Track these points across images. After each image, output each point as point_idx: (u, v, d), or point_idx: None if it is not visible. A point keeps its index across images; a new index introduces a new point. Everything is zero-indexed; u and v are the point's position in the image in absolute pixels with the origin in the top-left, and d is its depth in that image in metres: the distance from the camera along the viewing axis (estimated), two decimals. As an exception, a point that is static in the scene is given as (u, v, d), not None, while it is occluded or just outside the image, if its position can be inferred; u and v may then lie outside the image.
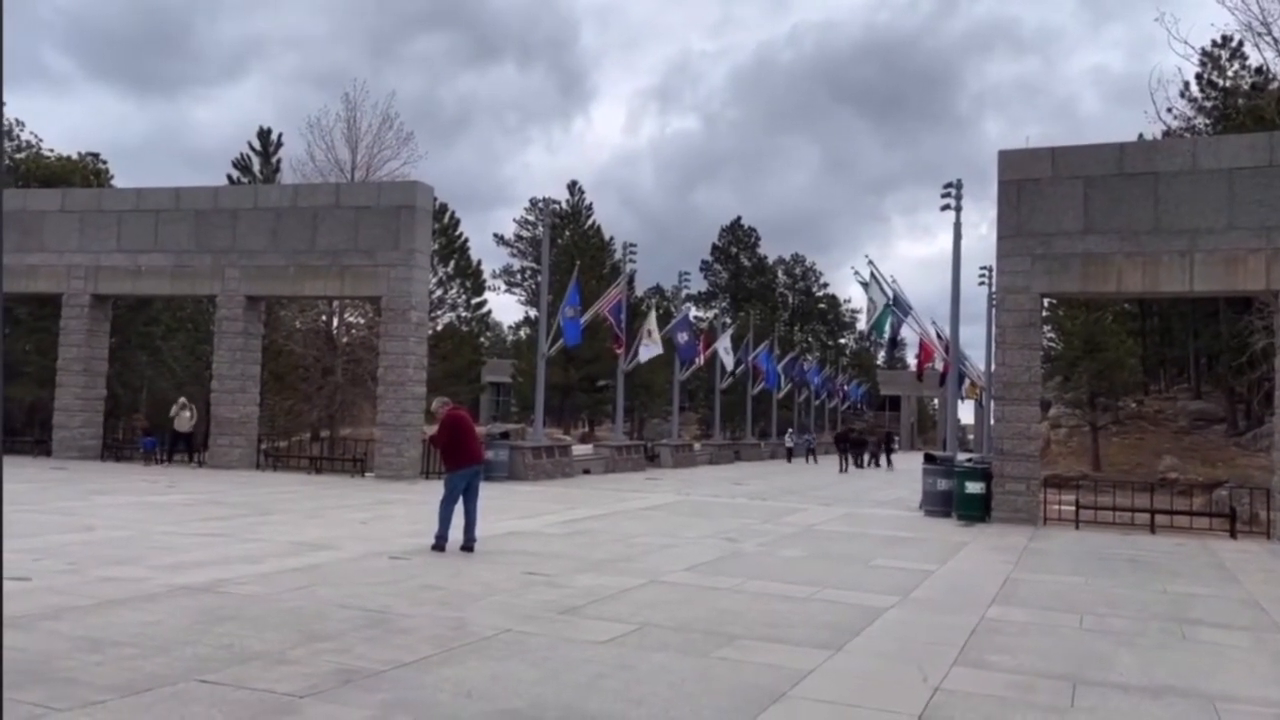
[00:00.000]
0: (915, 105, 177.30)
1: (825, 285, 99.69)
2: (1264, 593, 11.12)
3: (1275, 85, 33.76)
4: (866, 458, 42.94)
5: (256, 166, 36.39)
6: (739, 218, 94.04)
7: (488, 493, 20.41)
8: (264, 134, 36.68)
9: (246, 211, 25.28)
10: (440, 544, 11.64)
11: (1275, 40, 27.59)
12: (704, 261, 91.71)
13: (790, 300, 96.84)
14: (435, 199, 28.67)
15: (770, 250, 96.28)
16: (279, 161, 36.19)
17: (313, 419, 33.40)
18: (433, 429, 12.30)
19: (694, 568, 11.37)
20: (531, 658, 6.78)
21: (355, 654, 6.66)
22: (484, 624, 7.79)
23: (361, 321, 34.50)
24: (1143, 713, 6.06)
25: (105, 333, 27.42)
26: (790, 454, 49.64)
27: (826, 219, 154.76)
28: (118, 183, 37.95)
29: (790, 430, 55.03)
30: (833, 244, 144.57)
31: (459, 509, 11.89)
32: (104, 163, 39.42)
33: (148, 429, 28.30)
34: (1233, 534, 17.77)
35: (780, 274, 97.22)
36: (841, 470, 38.16)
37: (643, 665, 6.69)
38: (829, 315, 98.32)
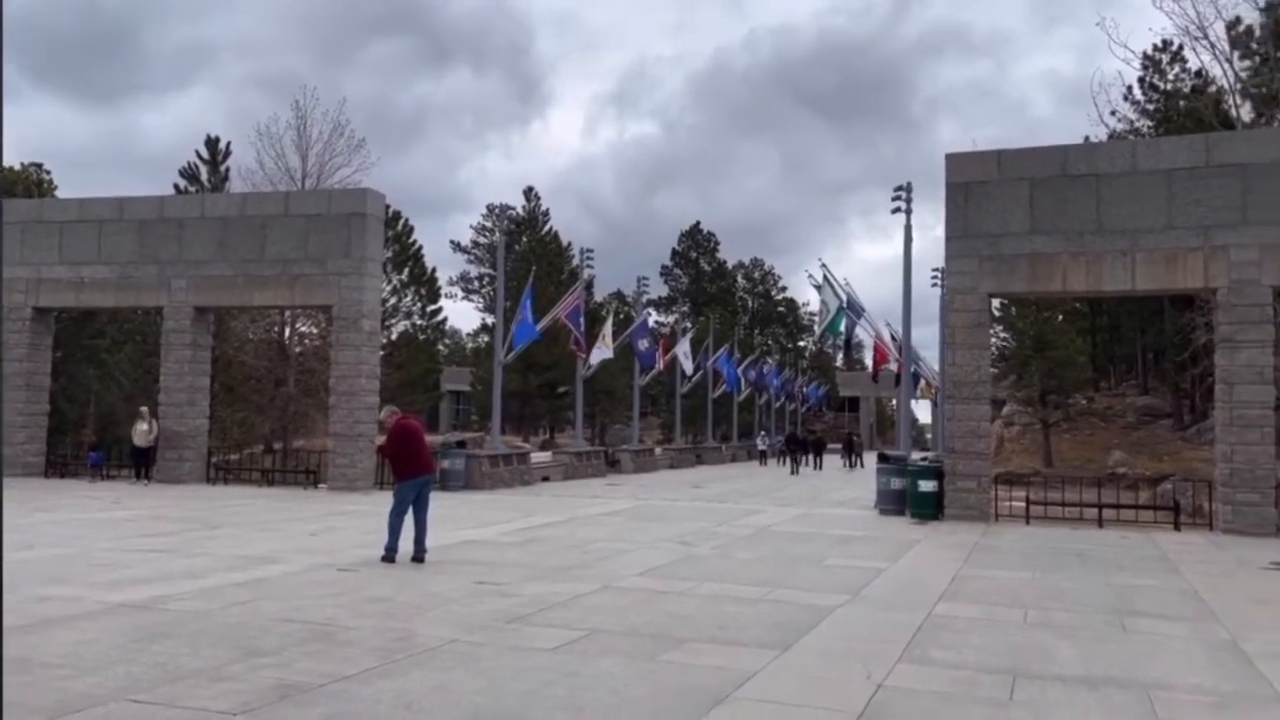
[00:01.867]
0: (871, 109, 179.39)
1: (784, 289, 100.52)
2: (1203, 583, 11.36)
3: (1214, 88, 34.62)
4: (812, 459, 43.57)
5: (204, 175, 35.84)
6: (698, 223, 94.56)
7: (443, 503, 20.28)
8: (212, 142, 36.13)
9: (193, 221, 24.85)
10: (390, 555, 11.50)
11: (1211, 44, 28.31)
12: (664, 266, 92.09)
13: (750, 304, 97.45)
14: (388, 206, 28.43)
15: (730, 254, 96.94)
16: (227, 170, 35.72)
17: (265, 431, 32.91)
18: (381, 438, 12.16)
19: (647, 572, 11.36)
20: (476, 668, 6.71)
21: (295, 669, 6.55)
22: (430, 635, 7.70)
23: (315, 331, 34.09)
24: (1079, 703, 6.14)
25: (48, 346, 26.80)
26: (764, 456, 49.83)
27: (785, 223, 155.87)
28: (64, 193, 37.15)
29: (763, 433, 55.30)
30: (792, 248, 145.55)
31: (409, 519, 11.75)
32: (48, 173, 38.62)
33: (95, 444, 27.68)
34: (1177, 526, 18.15)
35: (740, 278, 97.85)
36: (792, 473, 38.53)
37: (588, 671, 6.66)
38: (788, 318, 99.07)
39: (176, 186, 35.69)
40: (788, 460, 41.77)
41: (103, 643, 7.16)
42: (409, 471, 11.74)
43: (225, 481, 25.33)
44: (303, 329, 34.39)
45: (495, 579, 10.54)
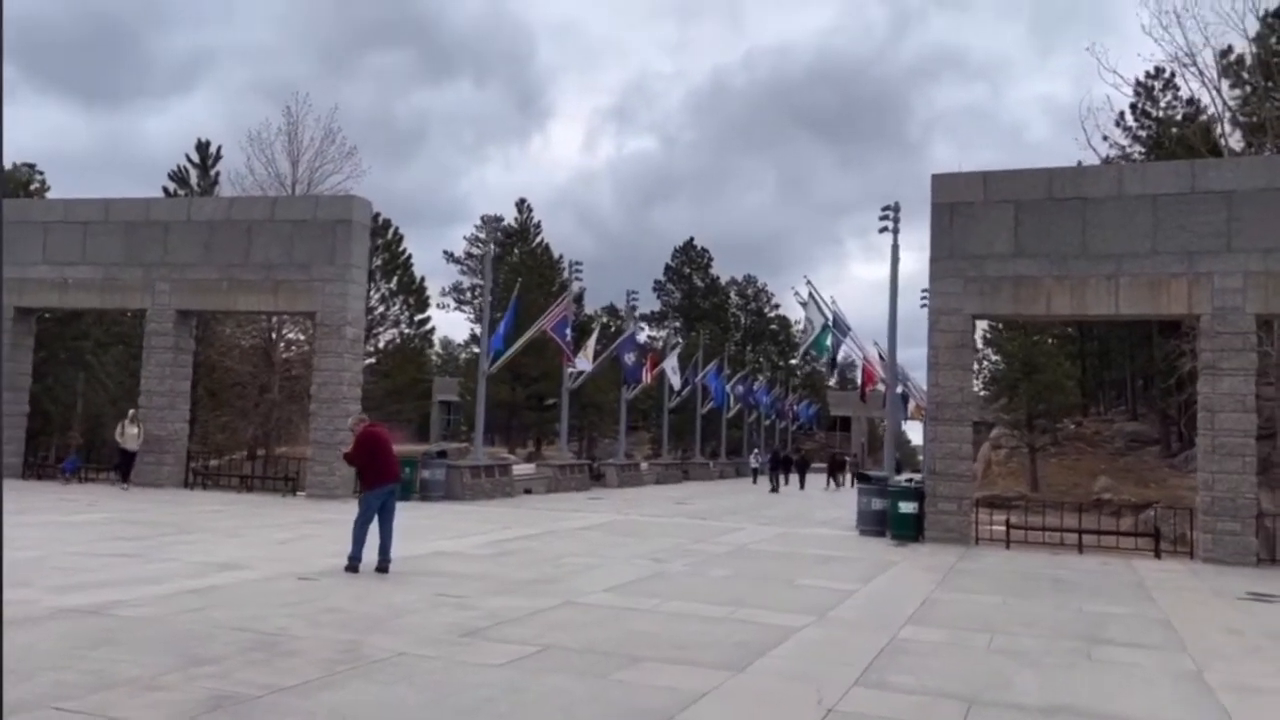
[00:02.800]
0: (868, 130, 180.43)
1: (777, 306, 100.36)
2: (1177, 612, 11.24)
3: (1205, 116, 34.74)
4: (792, 478, 43.55)
5: (194, 179, 35.72)
6: (691, 238, 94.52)
7: (421, 513, 20.14)
8: (202, 146, 36.02)
9: (179, 224, 24.73)
10: (354, 565, 11.33)
11: (1200, 72, 28.42)
12: (657, 281, 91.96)
13: (742, 321, 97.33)
14: (377, 214, 28.35)
15: (725, 271, 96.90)
16: (217, 174, 35.59)
17: (248, 436, 32.69)
18: (348, 446, 12.01)
19: (614, 588, 11.21)
20: (421, 681, 6.57)
21: (234, 679, 6.39)
22: (379, 647, 7.55)
23: (302, 338, 33.93)
24: (1033, 733, 6.01)
25: (29, 347, 26.61)
26: (755, 474, 49.56)
27: (781, 241, 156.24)
28: (59, 195, 37.00)
29: (756, 450, 55.13)
30: (787, 265, 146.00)
31: (375, 529, 11.60)
32: (40, 173, 38.45)
33: (78, 448, 27.44)
34: (1157, 554, 18.04)
35: (733, 294, 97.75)
36: (772, 490, 38.44)
37: (535, 688, 6.52)
38: (780, 336, 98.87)
39: (166, 190, 35.55)
40: (772, 478, 41.63)
41: (41, 648, 7.00)
42: (375, 480, 11.59)
43: (204, 486, 25.12)
44: (290, 335, 34.20)
45: (458, 591, 10.38)
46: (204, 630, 7.87)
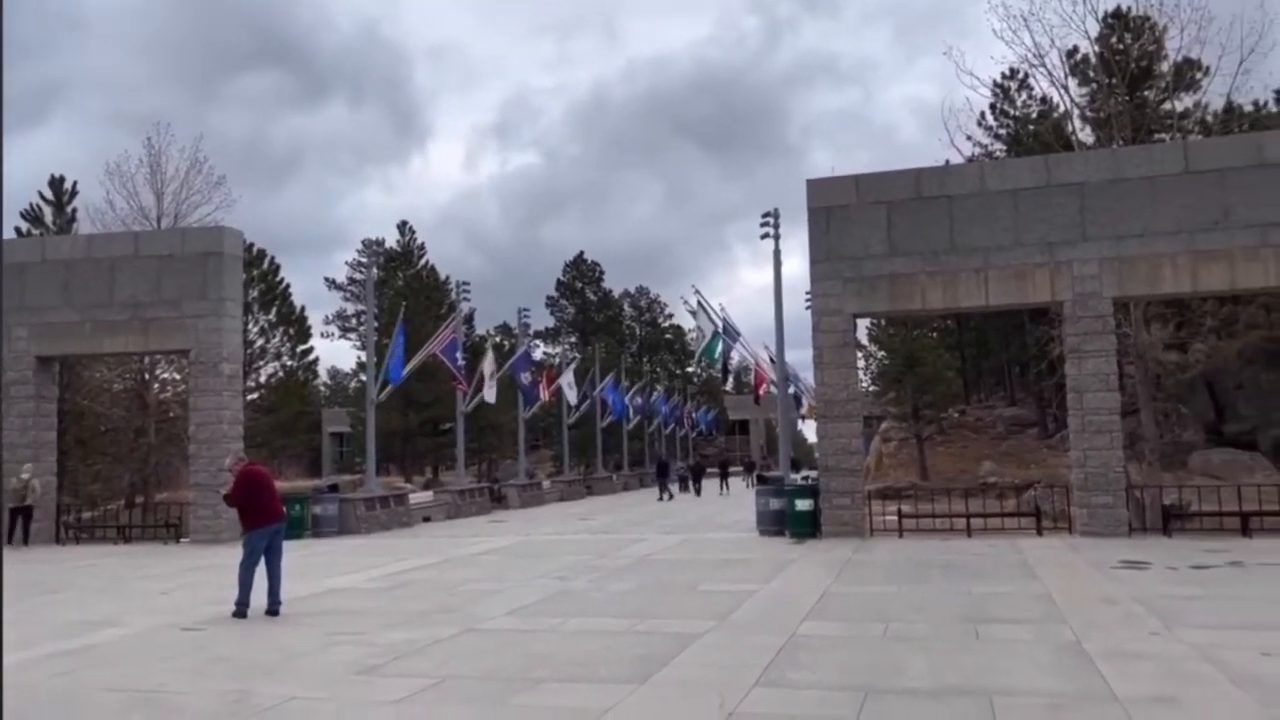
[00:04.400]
0: (748, 137, 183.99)
1: (671, 316, 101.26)
2: (1057, 586, 11.76)
3: (1057, 113, 36.67)
4: (690, 485, 44.16)
5: (49, 217, 33.81)
6: (582, 252, 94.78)
7: (314, 550, 19.50)
8: (56, 182, 34.14)
9: (34, 265, 23.34)
10: (242, 610, 10.86)
11: (1049, 72, 30.00)
12: (549, 297, 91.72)
13: (638, 332, 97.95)
14: (251, 244, 27.39)
15: (618, 283, 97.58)
16: (74, 210, 33.77)
17: (125, 484, 31.04)
18: (228, 487, 11.52)
19: (515, 611, 11.05)
20: (312, 726, 6.32)
21: (107, 744, 6.02)
22: (269, 694, 7.24)
23: (178, 377, 32.46)
24: (925, 716, 6.18)
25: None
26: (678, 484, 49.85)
27: (672, 251, 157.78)
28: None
29: (675, 462, 55.61)
30: (679, 275, 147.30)
31: (262, 570, 11.15)
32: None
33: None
34: (1039, 531, 18.87)
35: (627, 307, 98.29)
36: (659, 499, 38.72)
37: (432, 722, 6.35)
38: (675, 345, 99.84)
39: (19, 230, 33.54)
40: (659, 486, 41.93)
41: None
42: (258, 520, 11.15)
43: (78, 541, 23.71)
44: (164, 375, 32.65)
45: (353, 628, 10.06)
46: (75, 693, 7.41)
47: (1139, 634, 8.65)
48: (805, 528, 19.04)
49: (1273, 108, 34.06)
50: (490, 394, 32.50)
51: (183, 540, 22.57)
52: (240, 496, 11.15)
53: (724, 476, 46.37)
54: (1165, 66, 30.23)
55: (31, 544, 22.31)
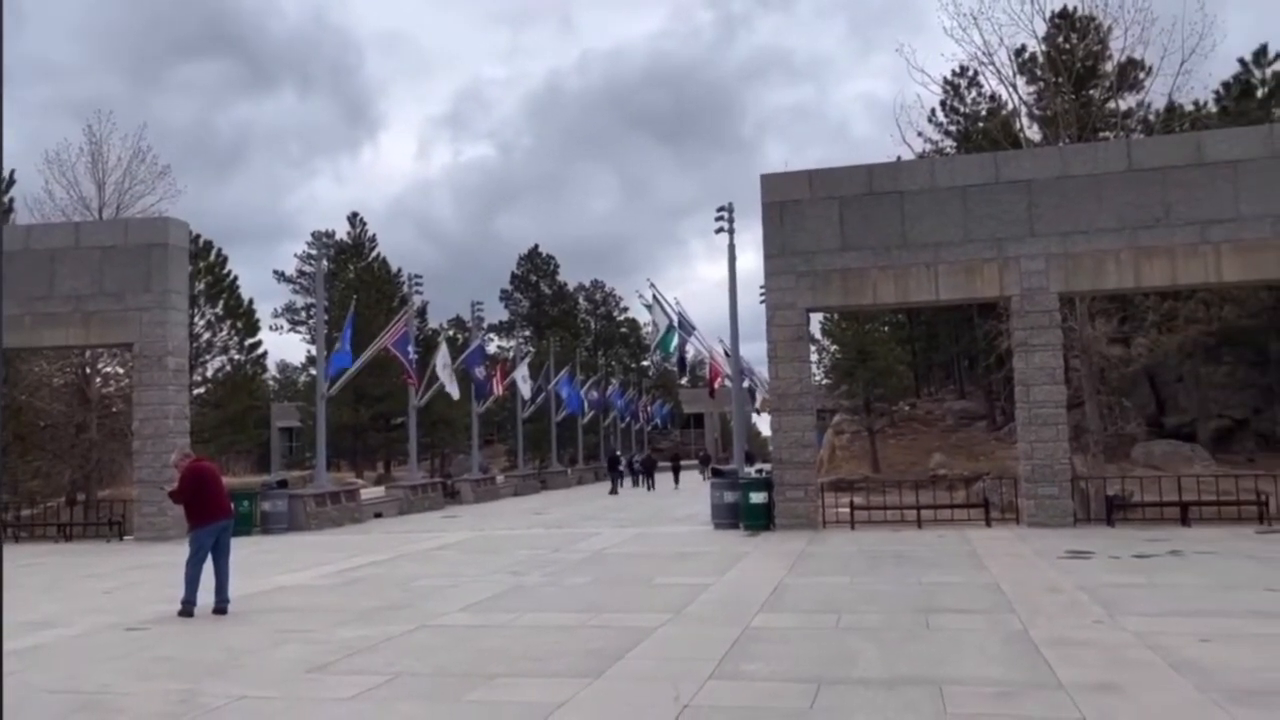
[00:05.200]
0: (703, 131, 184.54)
1: (626, 309, 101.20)
2: (1005, 575, 11.99)
3: (1005, 111, 37.29)
4: (631, 480, 44.42)
5: (-14, 207, 32.80)
6: (536, 245, 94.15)
7: (263, 547, 19.20)
8: (-7, 171, 33.11)
9: (-31, 256, 22.63)
10: (188, 609, 10.65)
11: (998, 70, 30.49)
12: (504, 291, 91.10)
13: (593, 326, 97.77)
14: (197, 236, 26.82)
15: (573, 277, 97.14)
16: (11, 200, 32.75)
17: (66, 481, 30.26)
18: (172, 484, 11.28)
19: (469, 607, 10.97)
20: (261, 726, 6.21)
21: (47, 748, 5.87)
22: (216, 694, 7.11)
23: (121, 371, 31.69)
24: (877, 705, 6.25)
25: None
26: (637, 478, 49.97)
27: (627, 244, 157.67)
28: None
29: (628, 455, 55.51)
30: (634, 269, 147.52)
31: (209, 568, 10.94)
32: None
33: None
34: (988, 522, 19.21)
35: (582, 300, 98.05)
36: (611, 492, 38.85)
37: (385, 719, 6.28)
38: (631, 339, 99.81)
39: (-47, 219, 32.46)
40: (611, 479, 42.08)
41: None
42: (205, 517, 10.93)
43: (16, 539, 23.09)
44: (107, 369, 31.85)
45: (303, 626, 9.92)
46: (14, 697, 7.18)
47: (1083, 622, 8.85)
48: (759, 520, 19.17)
49: (1213, 108, 34.95)
50: (453, 388, 32.25)
51: (127, 538, 22.10)
52: (186, 493, 10.92)
53: (676, 470, 46.47)
54: (1110, 66, 30.86)
55: (-33, 543, 21.68)
